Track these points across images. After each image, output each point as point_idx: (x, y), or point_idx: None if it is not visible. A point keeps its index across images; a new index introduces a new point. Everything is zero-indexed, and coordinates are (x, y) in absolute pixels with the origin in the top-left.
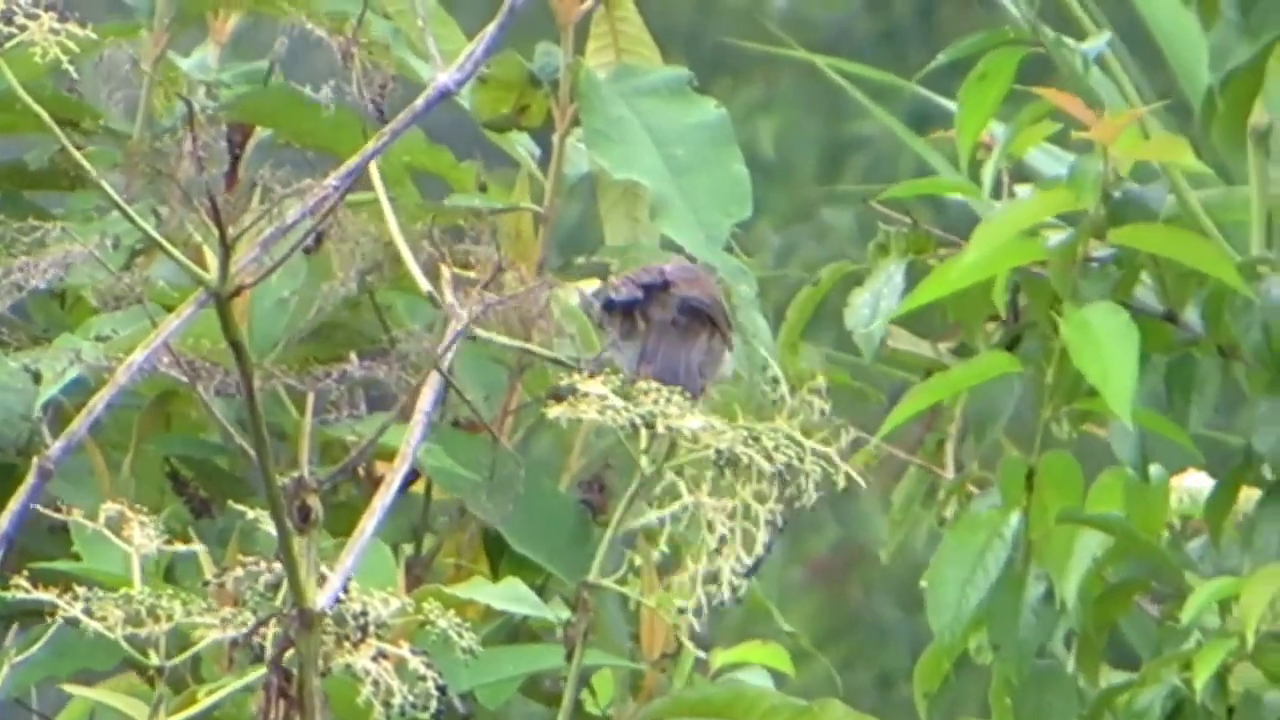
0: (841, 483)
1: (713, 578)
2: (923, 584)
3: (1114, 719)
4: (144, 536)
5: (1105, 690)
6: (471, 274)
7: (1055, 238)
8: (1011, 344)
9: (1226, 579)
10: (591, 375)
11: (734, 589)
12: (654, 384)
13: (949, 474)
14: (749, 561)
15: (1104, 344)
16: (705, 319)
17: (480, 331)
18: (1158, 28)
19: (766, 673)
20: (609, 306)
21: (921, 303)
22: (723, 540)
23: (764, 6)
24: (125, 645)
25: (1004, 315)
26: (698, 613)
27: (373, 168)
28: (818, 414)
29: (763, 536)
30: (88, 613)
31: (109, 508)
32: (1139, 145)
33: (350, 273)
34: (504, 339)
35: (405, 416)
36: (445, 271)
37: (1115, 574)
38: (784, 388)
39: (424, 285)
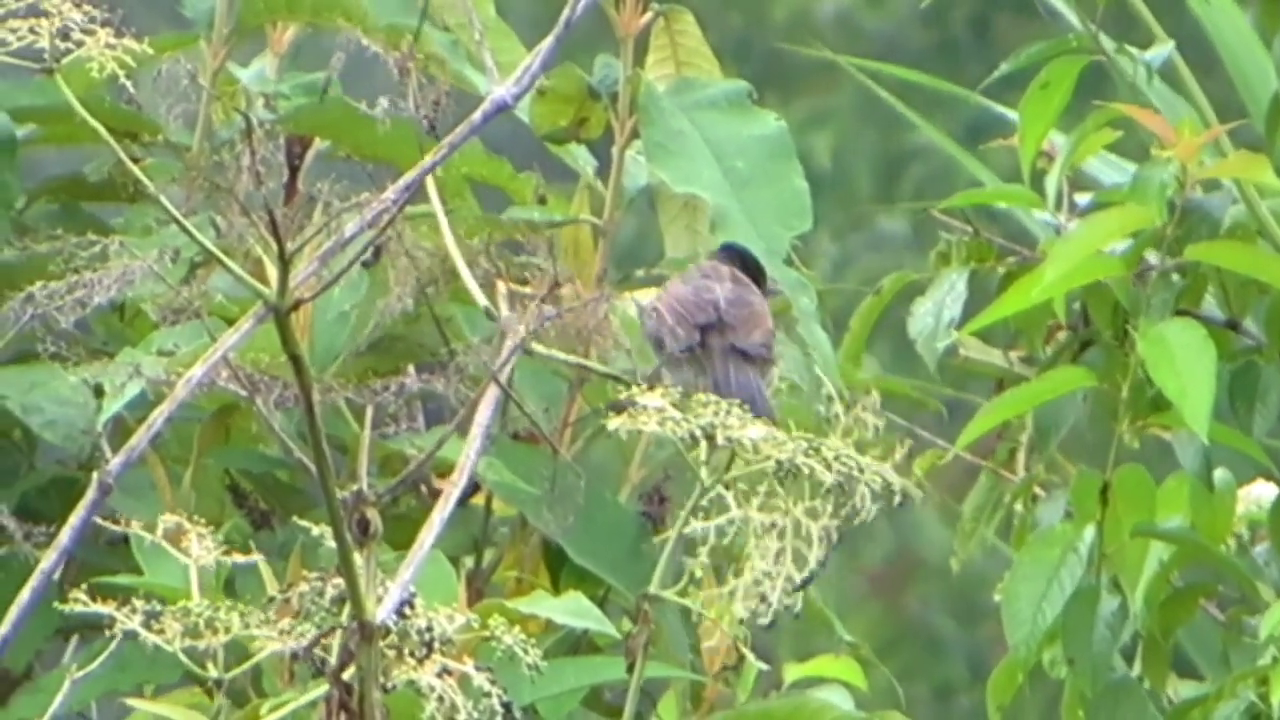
0: (898, 498)
1: (760, 593)
2: (996, 598)
3: None
4: (202, 548)
5: (1181, 704)
6: (527, 289)
7: (1117, 247)
8: (1078, 352)
9: None
10: (650, 388)
11: (787, 604)
12: (712, 396)
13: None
14: (799, 577)
15: (1181, 360)
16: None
17: (537, 347)
18: (1219, 38)
19: (843, 687)
20: (663, 349)
21: (996, 318)
22: (778, 554)
23: (814, 18)
24: (183, 658)
25: (1065, 325)
26: (758, 624)
27: (429, 181)
28: (872, 430)
29: (816, 553)
30: (146, 625)
31: (167, 519)
32: (1219, 163)
33: (407, 286)
34: (558, 354)
35: (463, 429)
36: (501, 286)
37: (1181, 578)
38: (838, 406)
39: (480, 299)
